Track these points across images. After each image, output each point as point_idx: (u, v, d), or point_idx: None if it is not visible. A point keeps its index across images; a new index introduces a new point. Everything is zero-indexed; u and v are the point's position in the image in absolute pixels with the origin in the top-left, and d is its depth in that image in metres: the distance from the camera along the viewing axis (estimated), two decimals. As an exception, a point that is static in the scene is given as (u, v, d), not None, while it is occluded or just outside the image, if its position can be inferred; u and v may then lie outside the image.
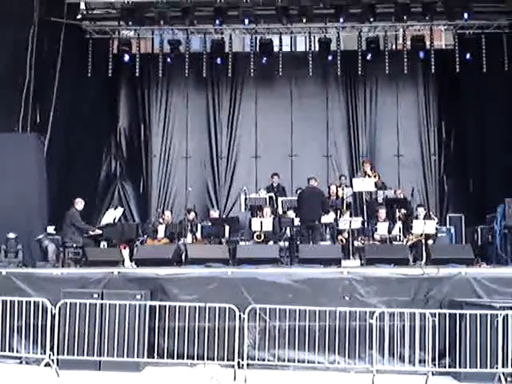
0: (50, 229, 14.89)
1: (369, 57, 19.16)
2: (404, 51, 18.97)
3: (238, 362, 10.31)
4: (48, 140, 16.29)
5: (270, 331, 10.78)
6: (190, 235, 15.87)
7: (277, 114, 20.60)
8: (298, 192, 16.37)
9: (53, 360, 10.39)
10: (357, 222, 15.30)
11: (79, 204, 14.85)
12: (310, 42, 19.22)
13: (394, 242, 14.77)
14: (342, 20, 18.27)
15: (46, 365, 10.45)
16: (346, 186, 17.16)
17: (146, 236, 16.43)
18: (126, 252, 14.75)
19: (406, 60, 18.86)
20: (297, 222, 15.69)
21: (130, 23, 18.75)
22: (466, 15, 17.58)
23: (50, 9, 16.87)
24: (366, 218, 16.07)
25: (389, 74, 19.38)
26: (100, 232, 15.10)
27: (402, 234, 14.99)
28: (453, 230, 17.68)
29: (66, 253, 14.30)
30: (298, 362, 10.60)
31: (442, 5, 17.89)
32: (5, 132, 14.51)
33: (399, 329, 10.56)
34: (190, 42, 19.46)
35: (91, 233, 14.82)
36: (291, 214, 16.13)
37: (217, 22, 18.52)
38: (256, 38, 19.50)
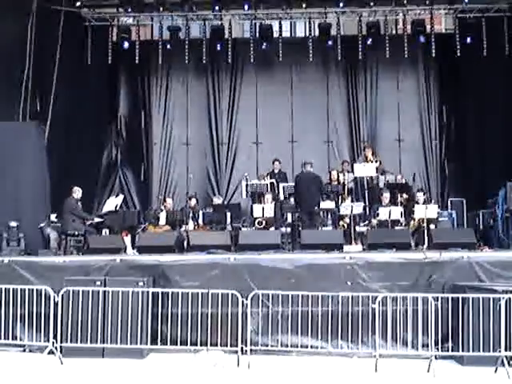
0: (52, 217, 14.91)
1: (369, 42, 19.06)
2: (404, 36, 18.89)
3: (241, 348, 10.35)
4: (48, 128, 16.25)
5: (272, 317, 10.81)
6: (191, 222, 15.85)
7: (277, 100, 20.54)
8: (294, 178, 16.33)
9: (56, 348, 10.42)
10: (358, 208, 15.29)
11: (77, 192, 14.86)
12: (310, 27, 19.14)
13: (395, 227, 14.75)
14: (341, 5, 18.28)
15: (49, 352, 10.48)
16: (348, 172, 17.13)
17: (147, 223, 16.41)
18: (127, 239, 14.77)
19: (406, 45, 18.77)
20: (297, 207, 15.69)
21: (130, 10, 18.79)
22: (466, -1, 17.54)
23: (48, -4, 16.83)
24: (367, 203, 16.04)
25: (389, 59, 19.26)
26: (101, 220, 15.12)
27: (403, 219, 14.96)
28: (454, 215, 17.64)
29: (67, 240, 14.33)
30: (301, 347, 10.66)
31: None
32: (5, 121, 14.47)
33: (402, 313, 10.58)
34: (190, 28, 19.36)
35: (92, 221, 14.84)
36: (293, 199, 16.12)
37: (216, 7, 18.49)
38: (255, 23, 19.38)
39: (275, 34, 19.14)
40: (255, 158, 20.41)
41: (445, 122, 20.50)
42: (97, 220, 15.03)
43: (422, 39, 18.87)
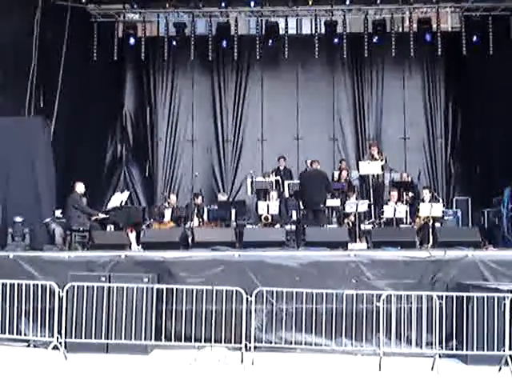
0: (57, 212, 14.91)
1: (375, 39, 19.06)
2: (410, 34, 18.91)
3: (245, 345, 10.33)
4: (54, 124, 16.27)
5: (276, 314, 10.81)
6: (196, 219, 15.87)
7: (283, 97, 20.58)
8: (299, 176, 16.32)
9: (60, 343, 10.41)
10: (363, 205, 15.28)
11: (79, 187, 14.82)
12: (316, 24, 19.12)
13: (400, 225, 14.74)
14: (348, 2, 18.29)
15: (53, 348, 10.45)
16: (346, 170, 17.17)
17: (152, 219, 16.43)
18: (132, 235, 14.78)
19: (412, 43, 18.79)
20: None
21: (136, 6, 18.77)
22: (472, -3, 17.53)
23: (55, -8, 16.83)
24: (372, 200, 16.04)
25: (395, 57, 19.30)
26: (106, 216, 15.12)
27: (409, 217, 14.95)
28: (459, 213, 17.67)
29: (72, 236, 14.32)
30: (305, 344, 10.62)
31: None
32: (11, 116, 14.48)
33: (406, 311, 10.57)
34: (196, 24, 19.38)
35: (97, 216, 14.85)
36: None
37: (222, 4, 18.50)
38: (262, 20, 19.43)
39: (281, 32, 19.15)
40: (260, 154, 20.43)
41: (451, 120, 20.49)
42: (102, 216, 15.01)
43: (428, 37, 18.85)
